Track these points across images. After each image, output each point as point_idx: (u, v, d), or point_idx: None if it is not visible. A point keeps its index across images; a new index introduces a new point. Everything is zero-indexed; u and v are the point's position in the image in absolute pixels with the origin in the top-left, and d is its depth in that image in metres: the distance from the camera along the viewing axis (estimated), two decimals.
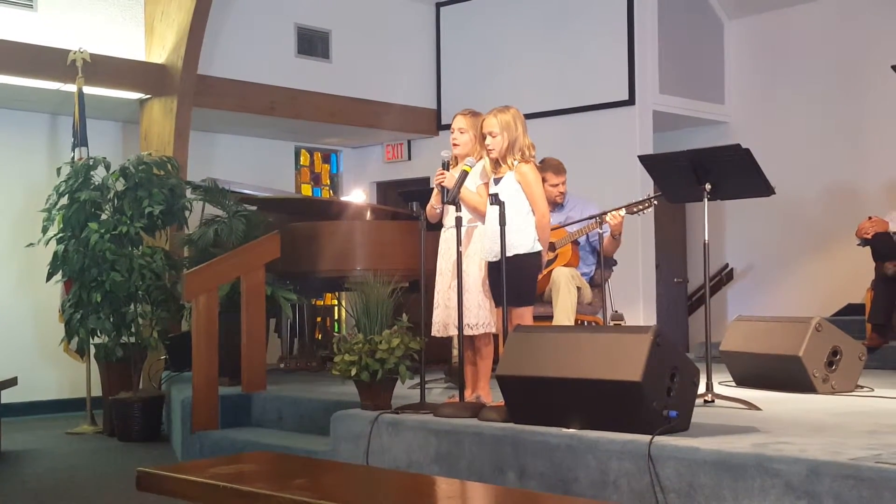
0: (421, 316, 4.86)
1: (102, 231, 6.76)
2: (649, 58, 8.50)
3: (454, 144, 4.82)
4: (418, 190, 7.58)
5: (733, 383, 5.61)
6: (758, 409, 4.51)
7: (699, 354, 7.07)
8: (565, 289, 5.81)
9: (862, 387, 5.35)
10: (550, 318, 5.81)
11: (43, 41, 7.46)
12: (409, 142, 10.11)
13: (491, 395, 4.67)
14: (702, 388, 4.38)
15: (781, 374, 5.28)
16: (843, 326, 5.57)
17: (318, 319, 9.25)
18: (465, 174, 4.59)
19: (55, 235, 6.94)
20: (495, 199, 4.44)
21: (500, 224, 4.41)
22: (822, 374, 5.21)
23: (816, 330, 5.24)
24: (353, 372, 4.72)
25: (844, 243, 7.87)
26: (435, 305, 4.80)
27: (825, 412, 4.47)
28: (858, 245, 7.12)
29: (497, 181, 4.62)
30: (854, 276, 7.79)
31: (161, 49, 7.98)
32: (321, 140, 10.26)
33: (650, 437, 3.54)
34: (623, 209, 5.92)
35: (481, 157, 4.75)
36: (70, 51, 7.42)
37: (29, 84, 7.48)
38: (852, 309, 7.93)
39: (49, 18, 7.63)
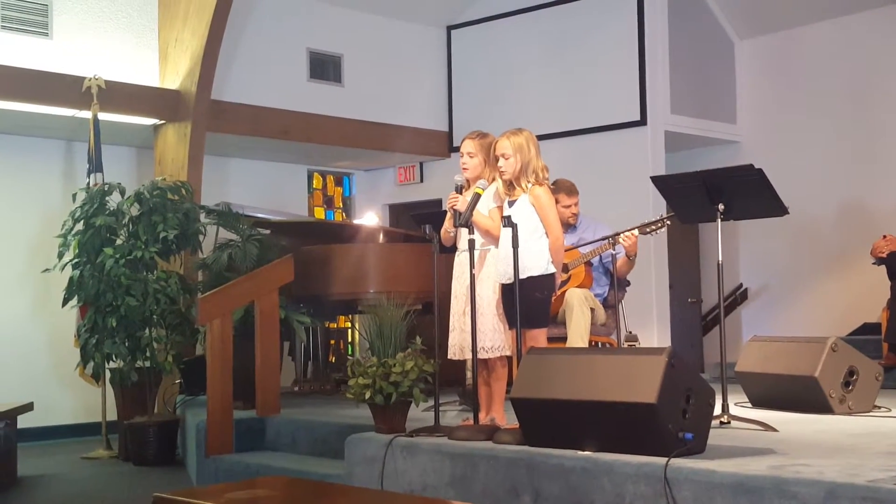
0: (435, 338, 4.86)
1: (117, 256, 6.79)
2: (660, 78, 8.52)
3: (463, 169, 4.81)
4: (429, 213, 7.61)
5: (749, 404, 5.59)
6: (774, 430, 4.49)
7: (714, 375, 7.05)
8: (579, 310, 5.81)
9: (879, 407, 5.32)
10: (564, 339, 5.80)
11: (58, 68, 7.53)
12: (421, 164, 10.14)
13: (505, 418, 4.66)
14: (717, 410, 4.36)
15: (798, 394, 5.25)
16: (859, 346, 5.54)
17: (332, 342, 9.25)
18: (477, 197, 4.60)
19: (71, 261, 6.97)
20: (508, 222, 4.45)
21: (513, 246, 4.41)
22: (839, 395, 5.18)
23: (832, 350, 5.21)
24: (367, 395, 4.72)
25: (859, 262, 7.84)
26: (450, 329, 4.80)
27: (842, 433, 4.45)
28: (873, 264, 7.10)
29: (511, 203, 4.63)
30: (869, 295, 7.75)
31: (175, 75, 8.05)
32: (334, 163, 10.30)
33: (666, 459, 3.53)
34: (636, 230, 5.92)
35: (494, 180, 4.75)
36: (85, 78, 7.49)
37: (44, 111, 7.55)
38: (868, 328, 7.88)
39: (64, 46, 7.71)
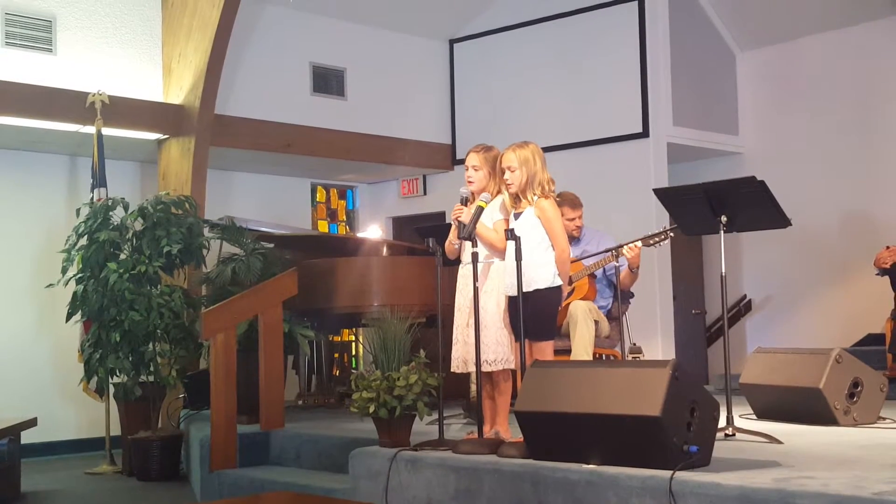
0: (438, 352, 4.86)
1: (121, 271, 6.80)
2: (663, 90, 8.54)
3: (469, 182, 4.83)
4: (433, 226, 7.62)
5: (754, 416, 5.57)
6: (779, 442, 4.48)
7: (719, 387, 7.03)
8: (583, 322, 5.81)
9: (884, 418, 5.31)
10: (568, 351, 5.80)
11: (62, 84, 7.56)
12: (424, 177, 10.16)
13: (510, 431, 4.66)
14: (722, 422, 4.35)
15: (802, 406, 5.24)
16: (864, 357, 5.52)
17: (336, 356, 9.25)
18: (480, 210, 4.61)
19: (74, 276, 6.99)
20: (511, 235, 4.46)
21: (517, 259, 4.42)
22: (844, 406, 5.17)
23: (836, 361, 5.21)
24: (371, 409, 4.72)
25: (863, 273, 7.83)
26: (454, 342, 4.80)
27: (847, 445, 4.44)
28: (877, 275, 7.09)
29: (517, 216, 4.65)
30: (873, 306, 7.74)
31: (178, 90, 8.08)
32: (337, 176, 10.32)
33: (671, 472, 3.52)
34: (639, 242, 5.92)
35: (498, 193, 4.77)
36: (89, 93, 7.52)
37: (48, 126, 7.58)
38: (872, 339, 7.87)
39: (68, 62, 7.74)
